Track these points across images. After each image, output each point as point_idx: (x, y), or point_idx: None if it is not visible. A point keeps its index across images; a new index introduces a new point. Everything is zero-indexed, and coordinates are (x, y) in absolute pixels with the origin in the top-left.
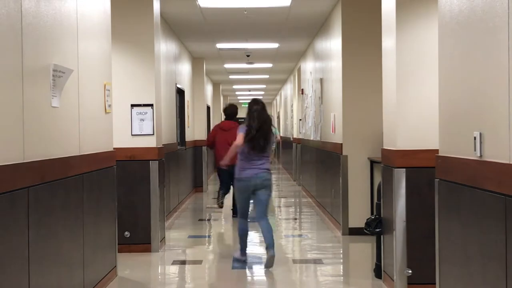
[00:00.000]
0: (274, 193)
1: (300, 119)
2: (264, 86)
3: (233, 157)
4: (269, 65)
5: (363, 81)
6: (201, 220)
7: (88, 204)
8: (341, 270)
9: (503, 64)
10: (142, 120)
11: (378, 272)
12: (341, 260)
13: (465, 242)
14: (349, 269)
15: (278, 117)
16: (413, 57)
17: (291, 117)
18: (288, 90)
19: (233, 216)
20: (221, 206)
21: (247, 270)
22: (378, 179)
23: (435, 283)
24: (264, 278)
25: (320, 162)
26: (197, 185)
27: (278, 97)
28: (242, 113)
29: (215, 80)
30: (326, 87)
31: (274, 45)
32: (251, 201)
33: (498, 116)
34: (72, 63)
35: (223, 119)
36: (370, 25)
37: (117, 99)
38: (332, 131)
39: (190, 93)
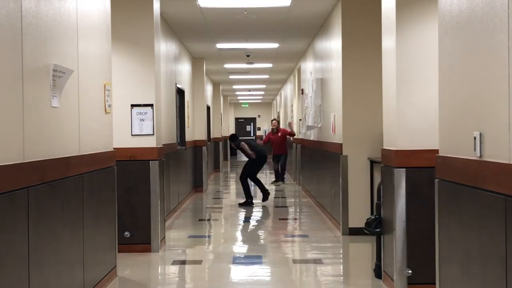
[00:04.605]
0: (273, 193)
1: (300, 119)
2: (264, 86)
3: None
4: (269, 65)
5: (363, 81)
6: (201, 220)
7: (88, 204)
8: (341, 270)
9: (503, 64)
10: (142, 120)
11: (378, 272)
12: (341, 260)
13: (465, 242)
14: (349, 269)
15: (278, 117)
16: (413, 57)
17: (291, 117)
18: (288, 90)
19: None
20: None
21: (247, 270)
22: (378, 179)
23: (435, 283)
24: (264, 278)
25: (320, 162)
26: (197, 185)
27: (278, 97)
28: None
29: (215, 80)
30: (326, 87)
31: (274, 45)
32: None
33: (498, 116)
34: (72, 63)
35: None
36: (370, 25)
37: (117, 99)
38: (332, 131)
39: (190, 93)
